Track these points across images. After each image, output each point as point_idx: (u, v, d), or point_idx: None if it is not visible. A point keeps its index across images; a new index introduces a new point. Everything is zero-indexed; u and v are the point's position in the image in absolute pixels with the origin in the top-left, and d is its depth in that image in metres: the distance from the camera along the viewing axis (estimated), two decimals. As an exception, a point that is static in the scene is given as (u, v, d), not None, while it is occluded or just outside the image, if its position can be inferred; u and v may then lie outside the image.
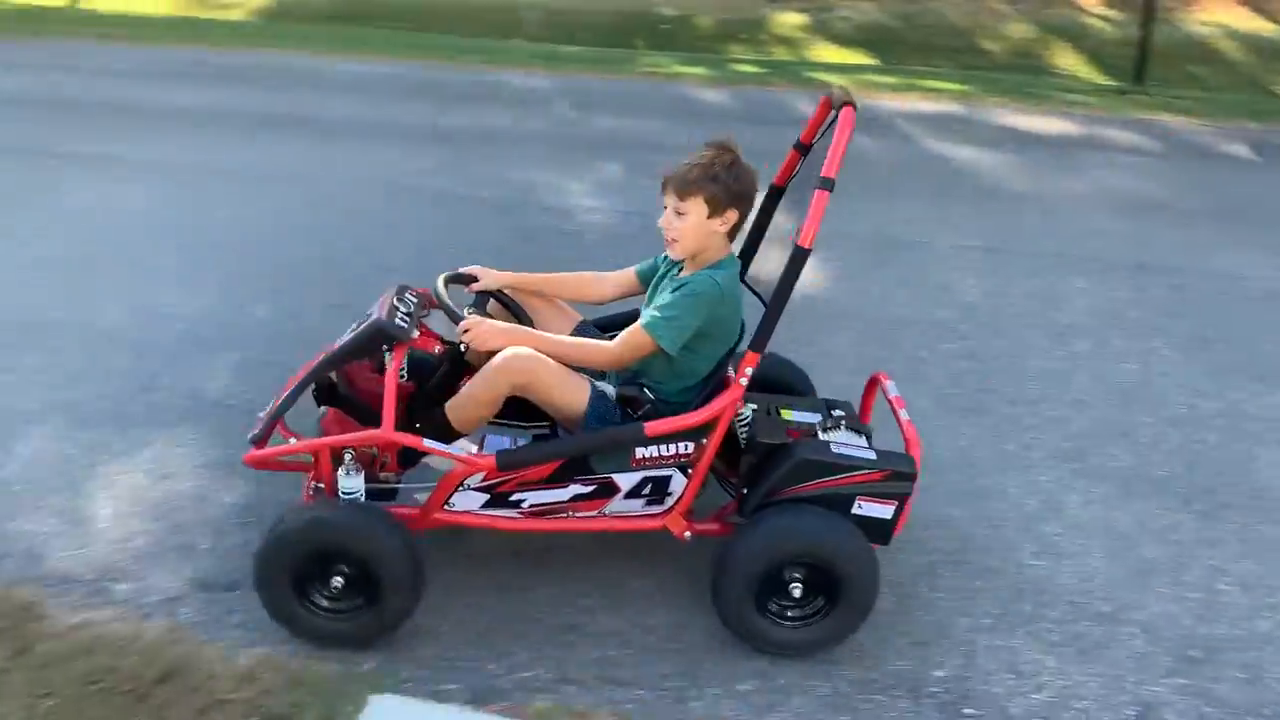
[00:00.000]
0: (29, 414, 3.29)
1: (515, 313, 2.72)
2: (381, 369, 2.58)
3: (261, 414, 2.49)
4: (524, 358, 2.35)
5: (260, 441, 2.45)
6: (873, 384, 2.75)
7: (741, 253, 2.73)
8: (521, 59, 9.93)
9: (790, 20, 15.64)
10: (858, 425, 2.53)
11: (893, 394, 2.63)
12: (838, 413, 2.58)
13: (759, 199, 2.53)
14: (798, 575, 2.32)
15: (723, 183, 2.36)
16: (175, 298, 4.15)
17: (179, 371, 3.58)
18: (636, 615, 2.53)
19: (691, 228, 2.39)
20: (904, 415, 2.53)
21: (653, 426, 2.33)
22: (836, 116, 2.27)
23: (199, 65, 8.76)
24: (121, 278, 4.33)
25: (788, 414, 2.62)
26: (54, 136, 6.21)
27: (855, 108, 2.26)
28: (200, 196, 5.31)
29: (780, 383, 2.88)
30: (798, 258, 2.24)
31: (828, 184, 2.22)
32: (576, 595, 2.58)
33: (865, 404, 2.74)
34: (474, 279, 2.69)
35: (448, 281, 2.60)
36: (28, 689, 2.21)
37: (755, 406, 2.60)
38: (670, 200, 2.41)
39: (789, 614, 2.37)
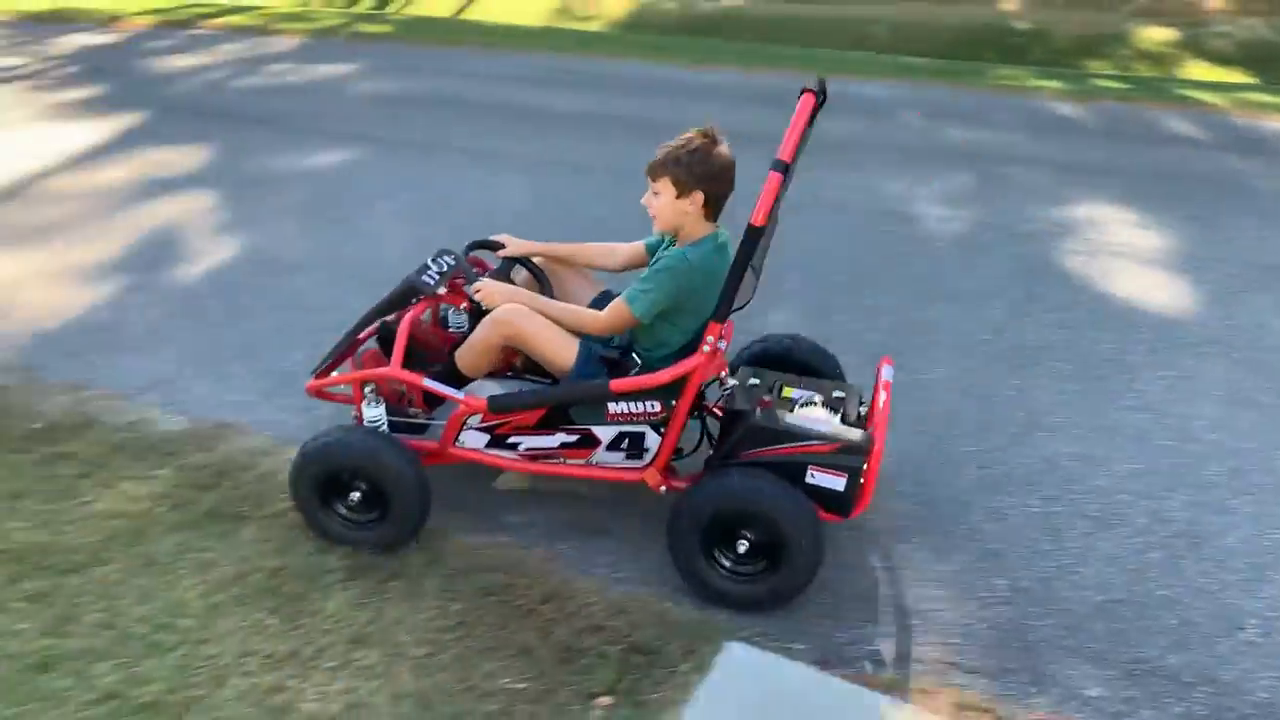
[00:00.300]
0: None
1: (540, 279, 3.01)
2: (444, 324, 3.05)
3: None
4: (511, 311, 2.72)
5: (319, 375, 2.93)
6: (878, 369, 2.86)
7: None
8: (870, 69, 9.97)
9: (1157, 36, 14.61)
10: (844, 406, 2.67)
11: (885, 378, 2.78)
12: (837, 394, 2.74)
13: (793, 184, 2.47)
14: (747, 534, 2.50)
15: (685, 165, 2.54)
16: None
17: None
18: (978, 610, 2.58)
19: (664, 205, 2.61)
20: (883, 397, 2.66)
21: (617, 383, 2.59)
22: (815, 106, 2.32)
23: (567, 72, 9.50)
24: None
25: (789, 391, 2.77)
26: (447, 132, 6.99)
27: (815, 93, 2.30)
28: (573, 190, 5.80)
29: (809, 366, 3.04)
30: (749, 236, 2.32)
31: (779, 166, 2.28)
32: (921, 583, 2.67)
33: (876, 389, 2.78)
34: (501, 245, 3.04)
35: (477, 246, 3.05)
36: (439, 591, 2.60)
37: (756, 381, 2.81)
38: (649, 182, 2.62)
39: (730, 567, 2.55)
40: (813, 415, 2.64)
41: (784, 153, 2.29)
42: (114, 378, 3.74)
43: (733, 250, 2.46)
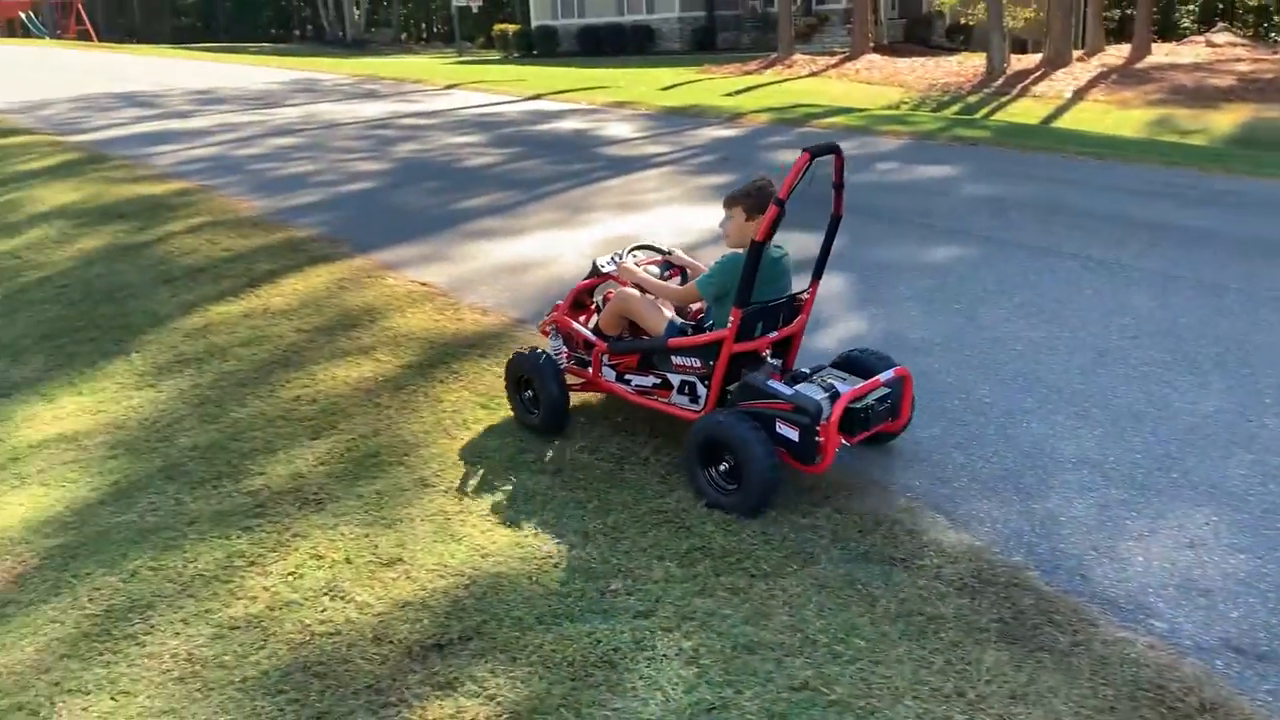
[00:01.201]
0: (1067, 463, 3.90)
1: (682, 272, 4.30)
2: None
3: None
4: (623, 295, 4.10)
5: (543, 324, 4.50)
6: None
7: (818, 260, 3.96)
8: None
9: None
10: (828, 381, 3.64)
11: (883, 376, 3.72)
12: (840, 380, 3.66)
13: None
14: (728, 457, 3.53)
15: (754, 198, 3.65)
16: (1188, 392, 4.48)
17: (1197, 455, 3.91)
18: None
19: (734, 227, 3.73)
20: (866, 384, 3.63)
21: (672, 341, 3.86)
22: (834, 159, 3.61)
23: (1183, 185, 9.09)
24: (1133, 367, 4.81)
25: (828, 378, 3.70)
26: (1057, 237, 7.05)
27: (810, 155, 3.35)
28: (1203, 308, 5.59)
29: (870, 368, 3.85)
30: (752, 252, 3.46)
31: (778, 202, 3.40)
32: None
33: (904, 395, 3.83)
34: (658, 249, 4.47)
35: (639, 247, 4.49)
36: (1091, 673, 2.71)
37: (777, 361, 3.99)
38: (728, 209, 3.76)
39: (716, 480, 3.61)
40: (799, 385, 3.61)
41: (781, 193, 3.39)
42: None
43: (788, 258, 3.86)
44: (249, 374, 5.06)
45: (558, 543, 3.45)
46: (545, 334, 4.48)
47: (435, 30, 71.52)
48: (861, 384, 3.63)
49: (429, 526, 3.60)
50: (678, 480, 3.82)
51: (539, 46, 38.67)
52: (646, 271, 4.19)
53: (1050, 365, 4.87)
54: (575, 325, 4.28)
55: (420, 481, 3.93)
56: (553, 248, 7.15)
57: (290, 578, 3.34)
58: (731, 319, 3.57)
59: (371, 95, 18.85)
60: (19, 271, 7.19)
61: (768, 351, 3.88)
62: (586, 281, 4.43)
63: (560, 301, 4.48)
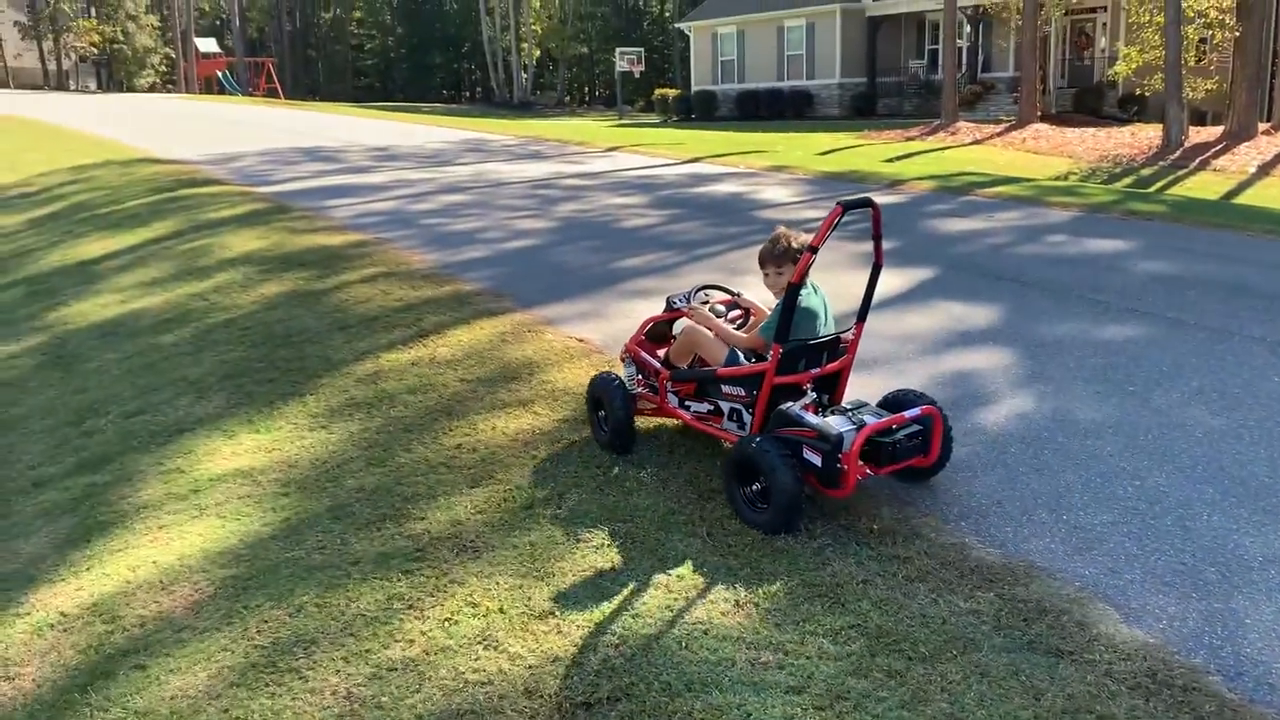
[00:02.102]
0: (1254, 561, 3.65)
1: (746, 311, 4.72)
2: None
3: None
4: (689, 330, 4.51)
5: (621, 353, 4.91)
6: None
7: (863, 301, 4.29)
8: None
9: None
10: (860, 416, 3.95)
11: (910, 414, 4.01)
12: (866, 414, 3.98)
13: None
14: (761, 479, 3.84)
15: (797, 253, 4.06)
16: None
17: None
18: None
19: (784, 281, 4.06)
20: (887, 418, 3.96)
21: (720, 370, 4.26)
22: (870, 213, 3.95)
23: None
24: (1331, 463, 4.48)
25: (863, 414, 3.98)
26: (1240, 320, 6.66)
27: (843, 208, 3.65)
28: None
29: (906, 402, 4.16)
30: (790, 293, 3.85)
31: (811, 250, 3.80)
32: None
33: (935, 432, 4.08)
34: (727, 290, 4.87)
35: (709, 287, 4.91)
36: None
37: (814, 394, 4.18)
38: (771, 268, 4.23)
39: (749, 498, 3.92)
40: (830, 419, 3.91)
41: (815, 240, 3.78)
42: (930, 501, 4.20)
43: (826, 298, 4.33)
44: (414, 420, 5.25)
45: (709, 609, 3.42)
46: (622, 361, 4.89)
47: (597, 94, 73.68)
48: (886, 419, 3.92)
49: (581, 582, 3.63)
50: (833, 554, 3.75)
51: (697, 110, 39.30)
52: (714, 309, 4.66)
53: (1234, 455, 4.59)
54: (644, 355, 4.74)
55: (573, 536, 3.97)
56: (709, 310, 7.19)
57: (446, 623, 3.41)
58: (772, 353, 3.95)
59: (536, 156, 19.49)
60: (207, 313, 7.68)
61: (809, 385, 4.16)
62: (659, 315, 4.91)
63: (638, 336, 4.91)
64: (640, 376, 4.74)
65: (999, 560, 3.72)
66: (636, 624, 3.35)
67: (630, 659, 3.15)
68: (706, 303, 4.75)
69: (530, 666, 3.15)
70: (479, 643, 3.30)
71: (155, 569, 4.01)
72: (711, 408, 4.39)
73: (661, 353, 4.76)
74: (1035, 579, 3.59)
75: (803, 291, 4.08)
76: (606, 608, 3.46)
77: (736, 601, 3.46)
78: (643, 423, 4.99)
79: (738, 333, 4.41)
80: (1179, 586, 3.54)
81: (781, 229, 4.26)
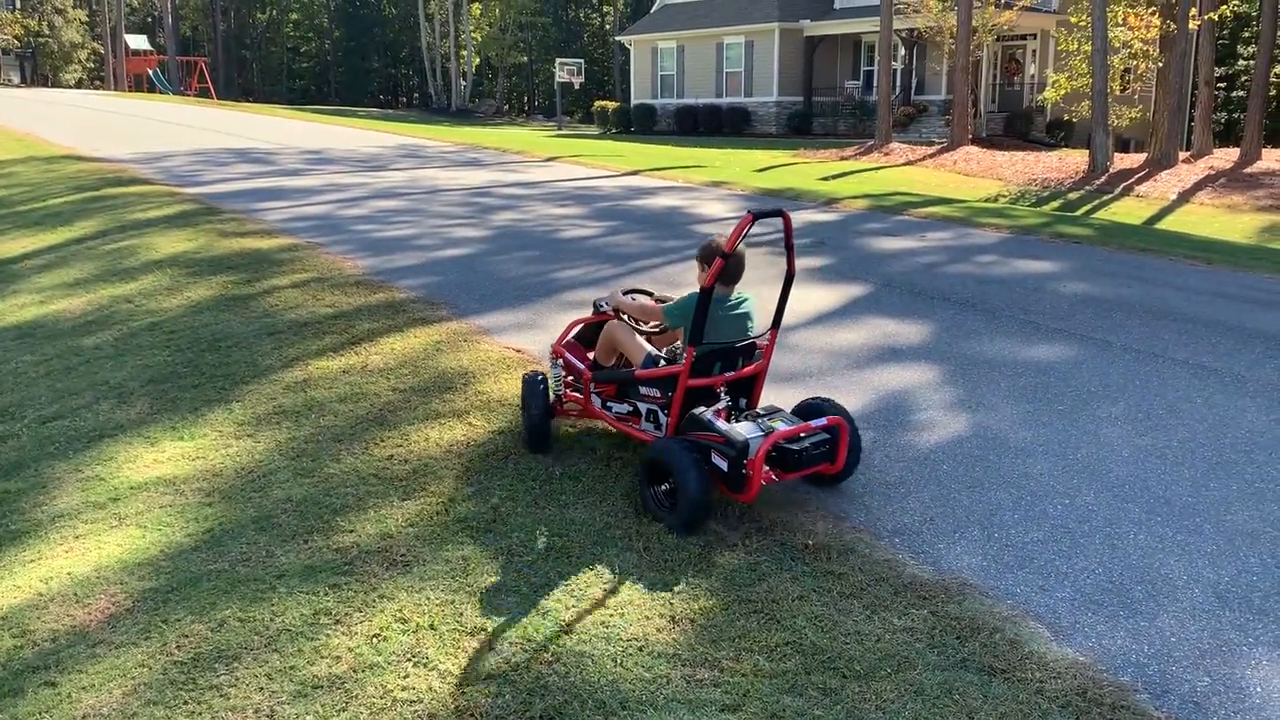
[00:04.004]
0: (1178, 580, 3.72)
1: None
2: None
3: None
4: (610, 327, 4.65)
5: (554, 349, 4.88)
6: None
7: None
8: None
9: None
10: (770, 423, 4.12)
11: (815, 423, 4.18)
12: (779, 421, 4.16)
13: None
14: (670, 479, 3.97)
15: (709, 257, 4.07)
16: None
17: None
18: None
19: (699, 278, 4.10)
20: (795, 426, 4.12)
21: (639, 373, 4.39)
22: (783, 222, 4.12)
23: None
24: (1248, 483, 4.59)
25: (774, 421, 4.17)
26: (1163, 342, 6.82)
27: (753, 217, 3.87)
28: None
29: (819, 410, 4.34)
30: (701, 296, 3.99)
31: (723, 255, 3.95)
32: None
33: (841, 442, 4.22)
34: (651, 294, 4.86)
35: (632, 290, 4.85)
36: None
37: (728, 400, 4.31)
38: (702, 268, 4.17)
39: (659, 498, 4.06)
40: (739, 425, 4.09)
41: (727, 246, 3.96)
42: (864, 516, 4.22)
43: (752, 308, 4.37)
44: (345, 430, 5.13)
45: (644, 625, 3.38)
46: (551, 362, 4.94)
47: (537, 103, 73.54)
48: (792, 427, 4.07)
49: (514, 598, 3.57)
50: (768, 569, 3.74)
51: (637, 124, 39.39)
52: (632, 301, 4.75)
53: (1159, 475, 4.69)
54: (569, 355, 4.77)
55: (507, 550, 3.91)
56: (646, 322, 7.17)
57: (375, 640, 3.33)
58: (685, 356, 4.07)
59: (474, 163, 19.34)
60: (131, 316, 7.45)
61: (723, 389, 4.26)
62: (588, 318, 4.98)
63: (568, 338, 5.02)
64: (570, 378, 4.78)
65: (932, 577, 3.74)
66: (571, 640, 3.30)
67: (564, 676, 3.10)
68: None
69: (461, 684, 3.08)
70: (408, 660, 3.22)
71: (69, 580, 3.85)
72: (631, 409, 4.51)
73: (593, 356, 4.83)
74: (968, 596, 3.62)
75: (732, 299, 4.25)
76: (540, 624, 3.40)
77: (672, 617, 3.43)
78: (581, 432, 4.94)
79: (641, 300, 4.71)
80: (1107, 605, 3.59)
81: (718, 236, 4.28)
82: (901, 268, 9.44)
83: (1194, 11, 23.21)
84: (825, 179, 19.97)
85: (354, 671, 3.17)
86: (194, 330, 6.95)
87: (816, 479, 4.35)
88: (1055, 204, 19.94)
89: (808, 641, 3.28)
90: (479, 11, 60.34)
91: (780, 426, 4.07)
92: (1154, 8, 24.41)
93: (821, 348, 6.60)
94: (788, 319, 7.37)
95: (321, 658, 3.24)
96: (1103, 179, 22.53)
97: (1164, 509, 4.33)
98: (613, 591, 3.60)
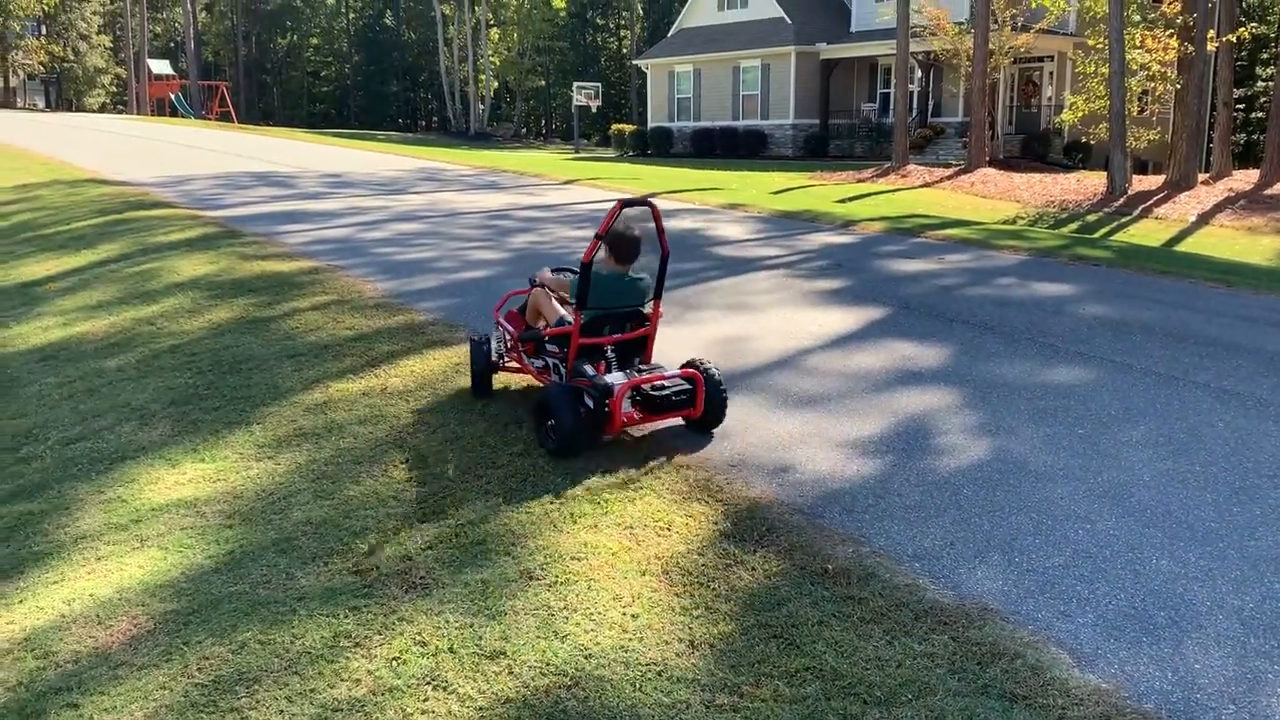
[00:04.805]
0: (1201, 606, 3.68)
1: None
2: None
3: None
4: (535, 294, 5.52)
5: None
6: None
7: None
8: None
9: None
10: (647, 373, 5.07)
11: (670, 370, 5.16)
12: (653, 370, 5.15)
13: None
14: (551, 417, 4.81)
15: (606, 237, 4.96)
16: (1334, 542, 4.21)
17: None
18: None
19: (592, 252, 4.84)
20: (654, 374, 5.08)
21: (547, 331, 5.32)
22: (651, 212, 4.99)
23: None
24: (1271, 508, 4.55)
25: (645, 373, 5.08)
26: (1184, 365, 6.79)
27: (622, 204, 4.85)
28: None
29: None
30: (581, 270, 4.89)
31: (598, 237, 4.85)
32: None
33: (698, 392, 5.07)
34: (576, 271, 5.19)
35: (560, 269, 5.67)
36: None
37: (613, 353, 5.22)
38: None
39: (548, 432, 4.88)
40: (611, 375, 5.00)
41: (600, 230, 4.86)
42: (884, 540, 4.21)
43: (644, 285, 5.25)
44: (365, 452, 5.16)
45: (663, 649, 3.38)
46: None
47: (554, 127, 73.98)
48: (646, 376, 4.99)
49: (533, 621, 3.57)
50: (788, 594, 3.73)
51: (654, 146, 39.58)
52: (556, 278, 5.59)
53: (1181, 500, 4.65)
54: (503, 320, 5.77)
55: (525, 574, 3.91)
56: (663, 343, 7.16)
57: (394, 662, 3.33)
58: (574, 319, 4.97)
59: (492, 186, 19.45)
60: (153, 338, 7.52)
61: (611, 348, 5.17)
62: (520, 290, 5.97)
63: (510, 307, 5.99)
64: (508, 339, 5.70)
65: (953, 602, 3.72)
66: (590, 665, 3.30)
67: (583, 701, 3.10)
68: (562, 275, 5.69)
69: (480, 708, 3.08)
70: (428, 683, 3.22)
71: (92, 602, 3.88)
72: (544, 364, 5.40)
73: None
74: (989, 622, 3.60)
75: (628, 276, 5.18)
76: (559, 648, 3.40)
77: (691, 642, 3.42)
78: (604, 462, 4.95)
79: (560, 278, 5.55)
80: (1130, 631, 3.56)
81: (627, 225, 5.11)
82: (919, 290, 9.43)
83: (1212, 34, 23.19)
84: (842, 201, 19.99)
85: (373, 694, 3.17)
86: (215, 352, 7.00)
87: (694, 426, 5.27)
88: (1073, 226, 19.89)
89: (828, 667, 3.27)
90: (497, 36, 60.85)
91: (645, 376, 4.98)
92: (1171, 30, 24.39)
93: (839, 370, 6.59)
94: (805, 341, 7.42)
95: (341, 680, 3.25)
96: (1121, 201, 22.47)
97: (1187, 534, 4.30)
98: (632, 616, 3.59)
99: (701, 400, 5.07)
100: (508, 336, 5.68)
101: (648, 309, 5.27)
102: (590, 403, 4.82)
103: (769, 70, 36.55)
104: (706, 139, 37.58)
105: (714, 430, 5.29)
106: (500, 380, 6.04)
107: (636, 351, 5.30)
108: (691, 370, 5.10)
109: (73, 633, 3.68)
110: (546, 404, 4.86)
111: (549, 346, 5.34)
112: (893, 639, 3.44)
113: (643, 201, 4.97)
